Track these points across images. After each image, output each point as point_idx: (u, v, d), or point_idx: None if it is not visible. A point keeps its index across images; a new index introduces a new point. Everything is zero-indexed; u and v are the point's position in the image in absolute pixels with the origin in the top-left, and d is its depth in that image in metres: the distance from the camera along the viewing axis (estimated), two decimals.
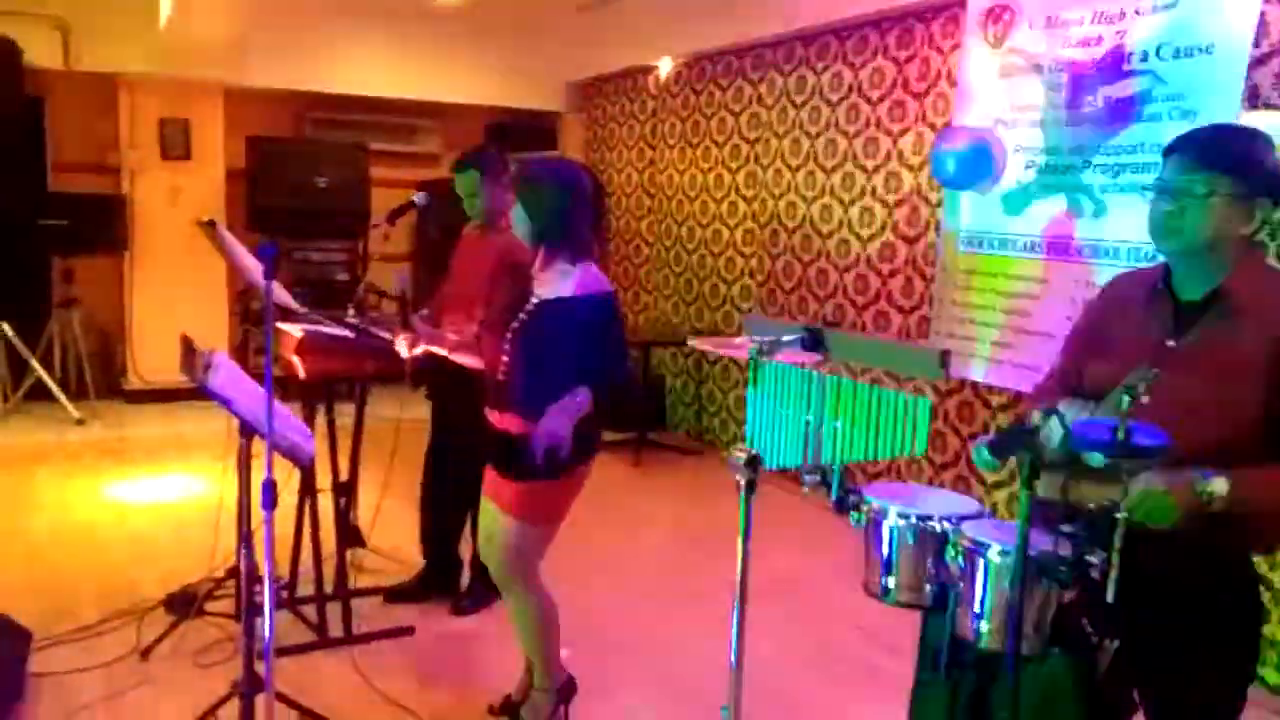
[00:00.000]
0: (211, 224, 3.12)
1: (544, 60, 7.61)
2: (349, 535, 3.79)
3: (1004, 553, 1.64)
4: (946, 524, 1.78)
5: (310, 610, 3.60)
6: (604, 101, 7.59)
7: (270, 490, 2.19)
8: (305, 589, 3.69)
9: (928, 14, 4.69)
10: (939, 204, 4.62)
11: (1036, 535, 1.57)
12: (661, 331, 6.69)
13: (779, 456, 1.80)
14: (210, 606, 3.68)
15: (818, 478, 1.81)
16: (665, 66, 6.68)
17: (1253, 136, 1.90)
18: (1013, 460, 1.74)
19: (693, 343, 1.96)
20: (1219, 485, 1.64)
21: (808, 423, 1.71)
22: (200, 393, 2.39)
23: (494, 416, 2.75)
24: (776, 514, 5.19)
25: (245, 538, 2.55)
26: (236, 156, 7.22)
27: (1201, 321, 1.87)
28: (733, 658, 1.82)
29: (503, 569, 2.80)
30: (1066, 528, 1.53)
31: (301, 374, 3.05)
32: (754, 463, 1.73)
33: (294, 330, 3.06)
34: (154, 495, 5.18)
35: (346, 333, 3.14)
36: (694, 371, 6.60)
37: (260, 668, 2.48)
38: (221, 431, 6.25)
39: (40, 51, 6.44)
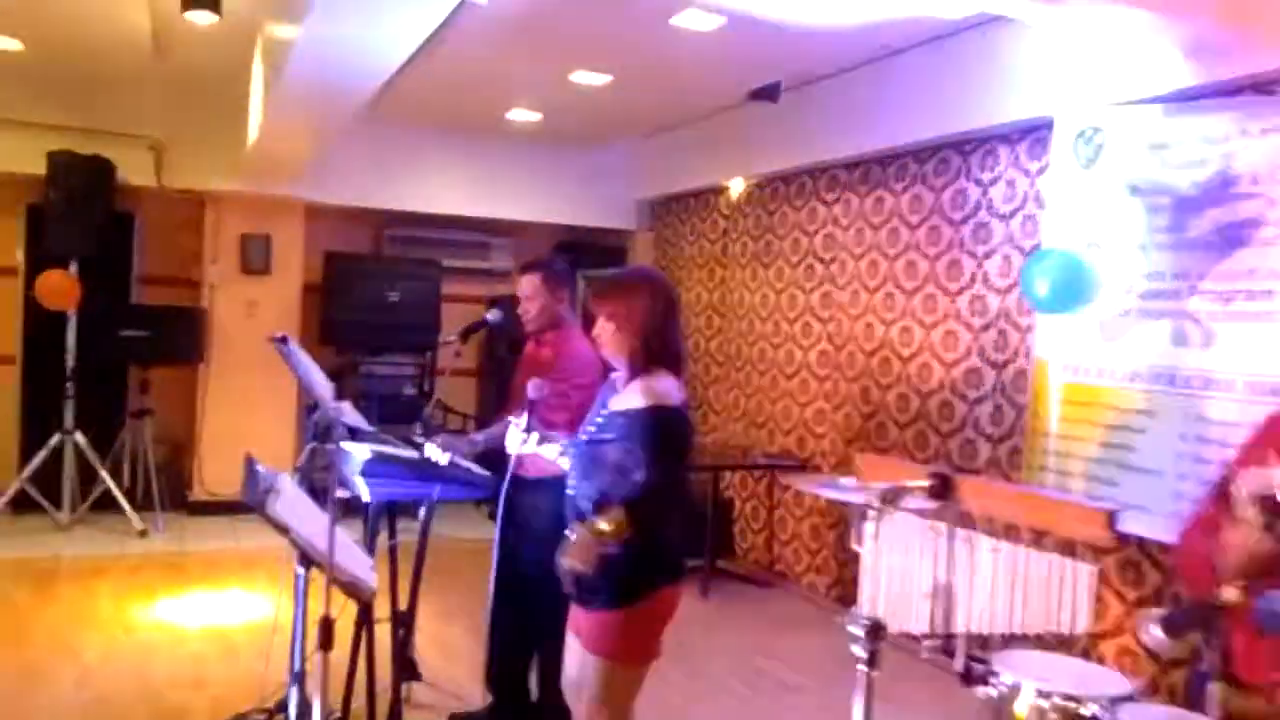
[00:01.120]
0: (284, 340, 3.06)
1: (615, 179, 7.71)
2: (405, 667, 3.60)
3: None
4: (1097, 708, 1.53)
5: None
6: (674, 220, 7.60)
7: (327, 630, 2.03)
8: None
9: (1013, 135, 4.59)
10: (1029, 329, 4.42)
11: None
12: (731, 454, 6.48)
13: (895, 618, 1.58)
14: None
15: (938, 643, 1.58)
16: (737, 186, 6.67)
17: None
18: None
19: (798, 485, 1.73)
20: None
21: (935, 581, 1.50)
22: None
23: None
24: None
25: (299, 675, 2.37)
26: (314, 271, 7.35)
27: None
28: None
29: (588, 713, 2.57)
30: None
31: (366, 498, 2.92)
32: (876, 631, 1.51)
33: (360, 450, 2.94)
34: (210, 614, 5.04)
35: (411, 455, 3.02)
36: (764, 496, 6.35)
37: None
38: (281, 549, 6.17)
39: (135, 170, 6.70)
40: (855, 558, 5.43)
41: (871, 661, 1.50)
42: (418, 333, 7.39)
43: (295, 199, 7.12)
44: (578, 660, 2.60)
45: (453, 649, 4.53)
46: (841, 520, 5.64)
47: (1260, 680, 1.35)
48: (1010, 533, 1.67)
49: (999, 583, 1.46)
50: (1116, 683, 1.65)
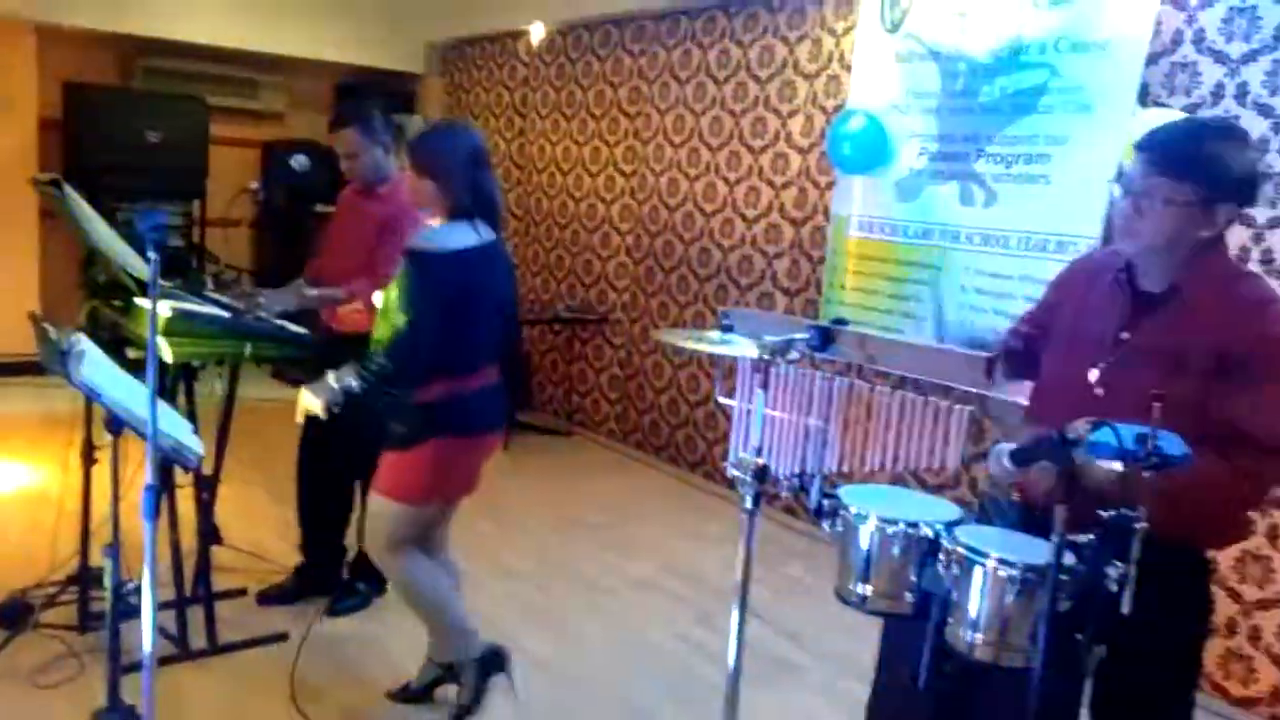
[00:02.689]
0: (56, 183, 2.69)
1: (403, 17, 7.17)
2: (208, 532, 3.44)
3: (1005, 562, 1.58)
4: (935, 530, 1.70)
5: (168, 618, 3.22)
6: (469, 66, 7.23)
7: (154, 498, 1.88)
8: (159, 594, 3.30)
9: None
10: (828, 187, 4.62)
11: (1038, 545, 1.51)
12: (530, 308, 6.46)
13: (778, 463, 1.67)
14: (44, 617, 3.24)
15: (796, 484, 1.69)
16: (537, 32, 6.40)
17: (1225, 136, 1.84)
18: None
19: (668, 340, 1.74)
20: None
21: (808, 428, 1.58)
22: (10, 369, 2.06)
23: None
24: (665, 501, 5.12)
25: (114, 548, 2.21)
26: (52, 105, 6.46)
27: (1157, 315, 1.86)
28: (731, 664, 1.68)
29: (376, 549, 2.71)
30: (1079, 538, 1.48)
31: (169, 358, 2.68)
32: (762, 475, 1.59)
33: (160, 307, 2.67)
34: None
35: (221, 312, 2.79)
36: (563, 349, 6.42)
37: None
38: (38, 414, 5.61)
39: None
40: (651, 406, 5.63)
41: (756, 503, 1.59)
42: (183, 177, 6.75)
43: (22, 19, 6.14)
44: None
45: (251, 511, 4.38)
46: (640, 372, 5.82)
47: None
48: (888, 380, 1.78)
49: (875, 426, 1.57)
50: (950, 510, 1.83)
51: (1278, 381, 1.74)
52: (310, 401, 2.48)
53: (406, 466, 2.60)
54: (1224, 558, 3.27)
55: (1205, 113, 3.34)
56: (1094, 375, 1.88)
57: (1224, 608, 3.28)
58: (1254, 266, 3.20)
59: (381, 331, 2.54)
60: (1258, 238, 3.24)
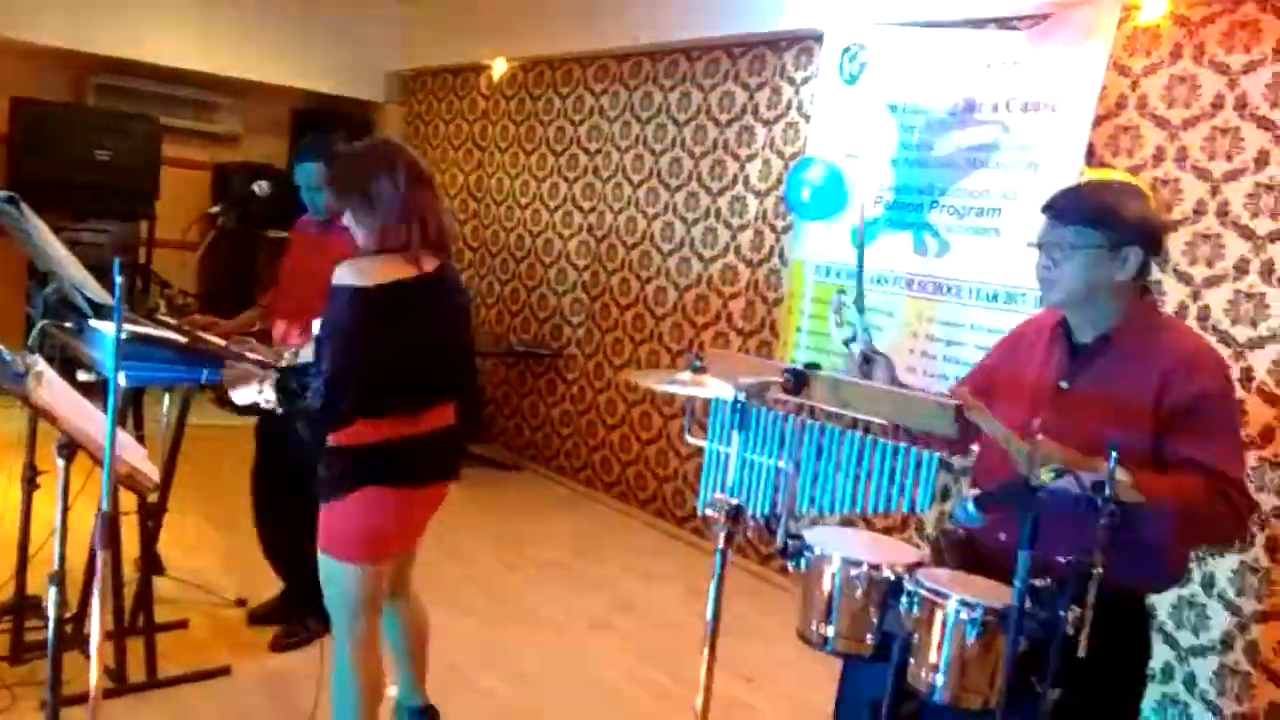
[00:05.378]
0: (13, 200, 2.64)
1: (364, 45, 7.18)
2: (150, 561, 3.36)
3: (966, 604, 1.62)
4: (897, 572, 1.74)
5: (106, 649, 3.12)
6: (428, 96, 7.25)
7: (110, 526, 1.84)
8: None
9: (781, 44, 4.77)
10: (784, 231, 4.70)
11: (996, 587, 1.55)
12: (483, 341, 6.45)
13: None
14: None
15: (762, 523, 1.72)
16: (499, 67, 6.46)
17: (1118, 190, 2.04)
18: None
19: (639, 381, 1.75)
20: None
21: (778, 470, 1.61)
22: None
23: None
24: (615, 538, 5.12)
25: (59, 576, 2.15)
26: None
27: (1092, 365, 1.95)
28: (699, 706, 1.68)
29: (332, 612, 2.50)
30: (1038, 582, 1.53)
31: (123, 382, 2.62)
32: (737, 515, 1.61)
33: (111, 331, 2.62)
34: None
35: (177, 336, 2.74)
36: (516, 384, 6.41)
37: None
38: None
39: None
40: (603, 443, 5.64)
41: (729, 541, 1.61)
42: (132, 198, 6.63)
43: None
44: None
45: (193, 540, 4.28)
46: (592, 408, 5.83)
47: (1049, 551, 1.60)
48: (860, 425, 1.78)
49: (845, 469, 1.61)
50: (910, 552, 1.87)
51: (1227, 428, 1.85)
52: (233, 394, 2.36)
53: (337, 519, 2.39)
54: (1161, 604, 3.37)
55: (1146, 174, 3.50)
56: (1035, 423, 1.97)
57: (1161, 653, 3.37)
58: (1191, 323, 3.34)
59: None
60: (1195, 295, 3.38)
